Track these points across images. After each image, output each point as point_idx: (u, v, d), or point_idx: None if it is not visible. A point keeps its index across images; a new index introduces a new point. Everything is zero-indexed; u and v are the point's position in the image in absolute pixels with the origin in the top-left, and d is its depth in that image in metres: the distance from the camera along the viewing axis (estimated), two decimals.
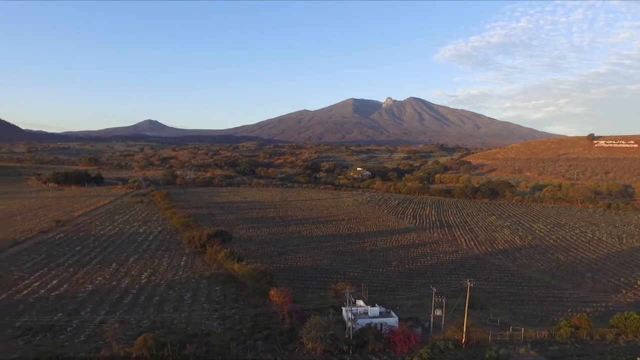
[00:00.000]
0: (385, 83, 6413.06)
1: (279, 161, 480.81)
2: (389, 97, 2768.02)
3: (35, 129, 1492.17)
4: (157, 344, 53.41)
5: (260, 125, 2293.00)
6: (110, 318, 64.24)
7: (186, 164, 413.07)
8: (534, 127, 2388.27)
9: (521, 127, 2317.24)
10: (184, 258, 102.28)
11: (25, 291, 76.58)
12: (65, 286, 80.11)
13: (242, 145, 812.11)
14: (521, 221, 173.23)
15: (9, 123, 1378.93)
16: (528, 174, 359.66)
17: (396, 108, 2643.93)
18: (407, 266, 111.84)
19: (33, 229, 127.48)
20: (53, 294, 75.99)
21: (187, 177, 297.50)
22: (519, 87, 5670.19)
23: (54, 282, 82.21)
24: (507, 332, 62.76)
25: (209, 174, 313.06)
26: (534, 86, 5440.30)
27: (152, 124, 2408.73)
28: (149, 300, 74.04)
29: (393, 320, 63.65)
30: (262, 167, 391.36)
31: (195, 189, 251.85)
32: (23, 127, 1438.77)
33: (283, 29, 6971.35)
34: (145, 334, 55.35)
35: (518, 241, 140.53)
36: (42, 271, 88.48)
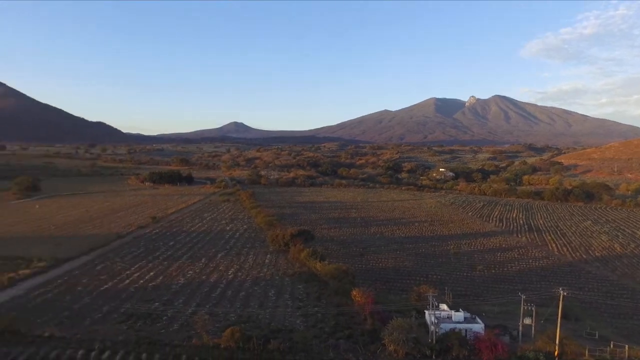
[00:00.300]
0: (468, 81, 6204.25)
1: (361, 161, 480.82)
2: (472, 96, 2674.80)
3: (134, 132, 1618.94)
4: (243, 337, 55.78)
5: (341, 125, 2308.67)
6: (201, 310, 67.92)
7: (270, 165, 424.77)
8: (635, 124, 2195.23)
9: (620, 124, 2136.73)
10: (268, 256, 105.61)
11: (127, 281, 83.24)
12: (160, 278, 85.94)
13: (324, 146, 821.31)
14: (622, 227, 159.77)
15: (112, 127, 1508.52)
16: (629, 175, 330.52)
17: (480, 107, 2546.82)
18: (492, 271, 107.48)
19: (133, 224, 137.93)
20: (150, 284, 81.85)
21: (271, 177, 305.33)
22: (617, 80, 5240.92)
23: (151, 273, 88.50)
24: (608, 348, 58.12)
25: (292, 174, 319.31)
26: (635, 79, 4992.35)
27: (237, 126, 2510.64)
28: (236, 295, 77.34)
29: (479, 327, 61.49)
30: (343, 167, 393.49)
31: (278, 189, 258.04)
32: (124, 130, 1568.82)
33: (363, 30, 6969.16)
34: (233, 326, 58.04)
35: (618, 248, 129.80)
36: (140, 263, 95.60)
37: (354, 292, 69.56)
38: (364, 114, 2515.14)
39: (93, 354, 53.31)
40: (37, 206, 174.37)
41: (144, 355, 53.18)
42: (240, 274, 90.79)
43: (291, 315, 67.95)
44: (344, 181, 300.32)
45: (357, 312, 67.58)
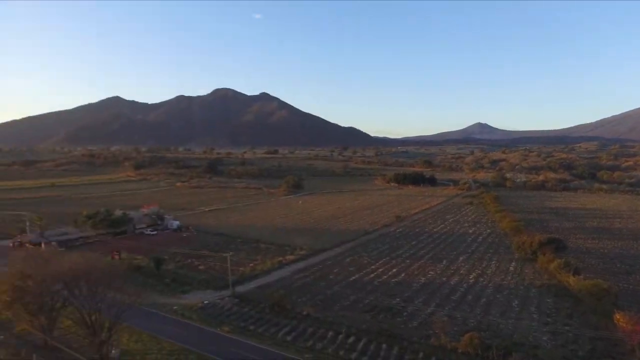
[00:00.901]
0: None
1: (627, 163, 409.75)
2: None
3: (380, 135, 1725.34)
4: (482, 345, 54.10)
5: (600, 123, 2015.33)
6: (440, 311, 68.50)
7: (516, 167, 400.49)
8: None
9: None
10: (512, 263, 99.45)
11: (372, 275, 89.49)
12: (402, 275, 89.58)
13: (579, 146, 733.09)
14: None
15: (361, 131, 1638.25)
16: None
17: None
18: None
19: (378, 222, 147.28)
20: (393, 280, 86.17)
21: (517, 180, 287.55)
22: None
23: (394, 270, 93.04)
24: None
25: (541, 177, 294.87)
26: None
27: (481, 127, 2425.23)
28: (476, 301, 75.22)
29: None
30: (604, 170, 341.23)
31: (525, 193, 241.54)
32: (372, 134, 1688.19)
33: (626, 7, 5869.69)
34: (472, 332, 56.82)
35: None
36: (384, 259, 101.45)
37: (618, 316, 60.00)
38: (631, 108, 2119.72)
39: (340, 337, 59.30)
40: (300, 202, 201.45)
41: (383, 346, 56.61)
42: (481, 279, 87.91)
43: (537, 330, 62.66)
44: (604, 186, 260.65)
45: (622, 339, 58.08)
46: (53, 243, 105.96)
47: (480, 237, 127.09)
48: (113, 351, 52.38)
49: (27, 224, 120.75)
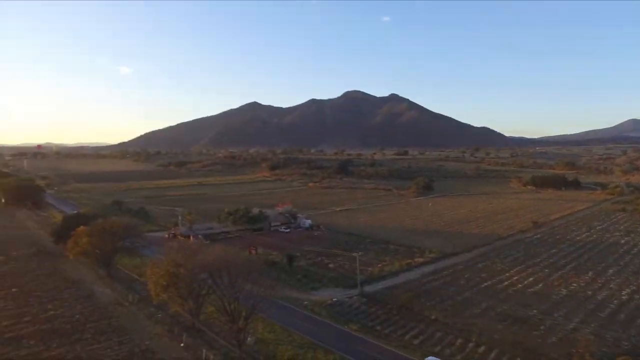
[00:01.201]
0: None
1: None
2: None
3: (516, 135, 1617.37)
4: None
5: None
6: (584, 328, 62.63)
7: None
8: None
9: None
10: None
11: (506, 282, 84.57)
12: (540, 285, 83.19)
13: None
14: None
15: (495, 131, 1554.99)
16: None
17: None
18: None
19: (513, 227, 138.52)
20: (529, 290, 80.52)
21: None
22: None
23: (530, 279, 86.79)
24: None
25: None
26: None
27: (636, 123, 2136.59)
28: (631, 321, 66.98)
29: None
30: None
31: None
32: (506, 134, 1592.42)
33: None
34: (625, 357, 51.11)
35: None
36: (519, 267, 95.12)
37: None
38: None
39: (470, 345, 57.08)
40: (430, 204, 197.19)
41: None
42: (637, 296, 78.05)
43: None
44: None
45: None
46: (200, 236, 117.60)
47: (636, 249, 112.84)
48: (249, 338, 56.66)
49: (179, 218, 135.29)
